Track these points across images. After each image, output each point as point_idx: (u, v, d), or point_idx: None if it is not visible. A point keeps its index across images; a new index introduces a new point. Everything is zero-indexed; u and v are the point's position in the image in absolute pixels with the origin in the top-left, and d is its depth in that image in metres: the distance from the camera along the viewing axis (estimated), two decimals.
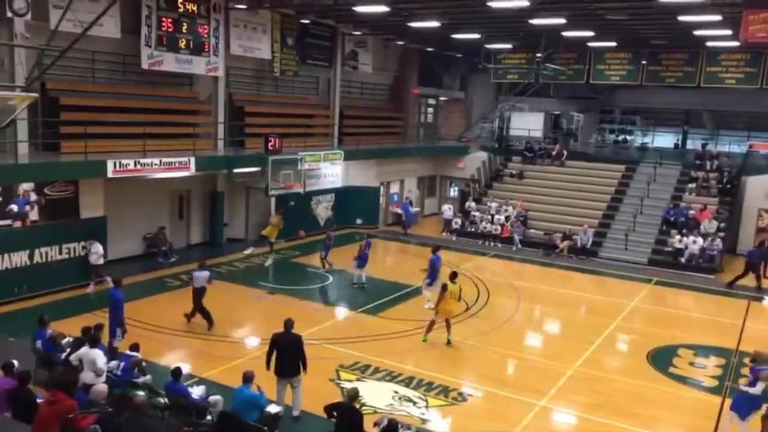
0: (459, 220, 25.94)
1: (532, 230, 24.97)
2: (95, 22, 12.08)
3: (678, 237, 22.34)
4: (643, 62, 26.95)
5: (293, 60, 23.45)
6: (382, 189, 27.24)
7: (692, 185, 25.27)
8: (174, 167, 17.52)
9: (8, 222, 15.25)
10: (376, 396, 10.93)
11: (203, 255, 19.38)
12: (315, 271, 19.17)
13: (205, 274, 14.13)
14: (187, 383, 9.78)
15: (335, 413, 8.10)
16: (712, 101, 31.16)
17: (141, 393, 8.36)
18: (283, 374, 9.88)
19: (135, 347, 10.29)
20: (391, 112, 30.28)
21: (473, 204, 26.86)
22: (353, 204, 25.64)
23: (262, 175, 19.99)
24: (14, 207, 15.17)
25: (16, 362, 8.70)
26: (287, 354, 9.84)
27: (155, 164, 16.94)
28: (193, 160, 17.94)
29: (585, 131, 35.21)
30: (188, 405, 8.99)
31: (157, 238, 19.06)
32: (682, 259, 21.81)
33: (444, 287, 13.59)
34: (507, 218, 25.17)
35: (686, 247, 21.90)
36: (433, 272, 16.24)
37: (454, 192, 31.22)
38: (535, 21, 20.12)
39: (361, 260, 17.65)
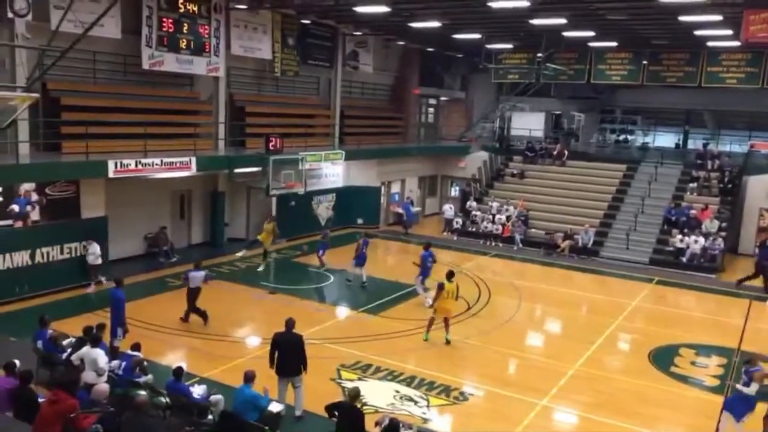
0: (460, 220, 25.94)
1: (533, 230, 24.97)
2: (96, 23, 12.07)
3: (679, 236, 22.33)
4: (644, 62, 26.94)
5: (294, 60, 23.46)
6: (383, 189, 27.25)
7: (693, 185, 25.26)
8: (175, 167, 17.54)
9: (9, 222, 15.25)
10: (378, 395, 10.93)
11: (204, 255, 19.44)
12: (316, 270, 19.17)
13: (201, 274, 14.17)
14: (189, 383, 9.78)
15: (336, 413, 8.11)
16: (713, 101, 31.14)
17: (142, 392, 8.38)
18: (285, 374, 9.87)
19: (136, 347, 10.29)
20: (392, 112, 30.29)
21: (474, 204, 26.85)
22: (354, 204, 25.64)
23: (263, 175, 19.99)
24: (15, 207, 15.17)
25: (17, 362, 8.70)
26: (288, 354, 9.84)
27: (156, 164, 16.95)
28: (194, 160, 17.95)
29: (586, 131, 35.19)
30: (189, 404, 8.99)
31: (158, 238, 19.08)
32: (684, 259, 21.80)
33: (441, 286, 13.60)
34: (508, 218, 25.16)
35: (687, 247, 21.90)
36: (424, 269, 16.36)
37: (455, 192, 31.22)
38: (535, 21, 20.11)
39: (360, 260, 17.68)
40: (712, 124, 35.51)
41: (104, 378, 9.10)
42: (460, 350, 13.54)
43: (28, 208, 15.50)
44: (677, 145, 35.56)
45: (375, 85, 29.44)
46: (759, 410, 9.68)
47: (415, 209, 28.02)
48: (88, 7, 15.36)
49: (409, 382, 11.65)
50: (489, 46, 26.89)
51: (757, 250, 22.21)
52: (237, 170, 19.99)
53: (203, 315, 14.03)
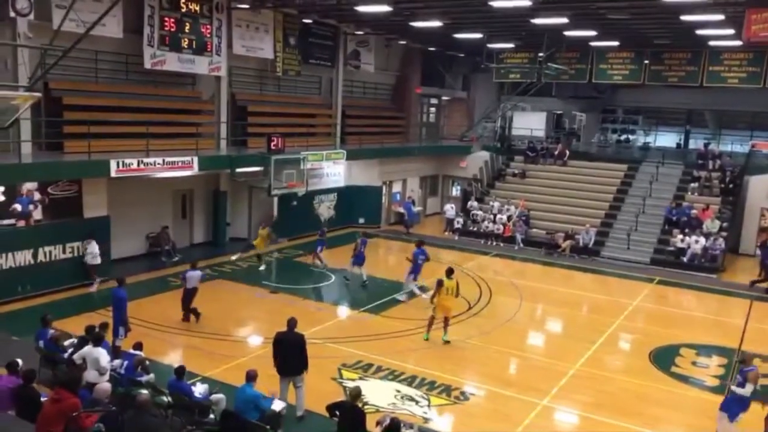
0: (461, 220, 25.95)
1: (534, 230, 24.97)
2: (98, 22, 12.08)
3: (680, 236, 22.32)
4: (646, 62, 26.90)
5: (296, 59, 23.48)
6: (384, 188, 27.26)
7: (695, 185, 25.25)
8: (177, 167, 17.56)
9: (12, 221, 15.30)
10: (379, 395, 10.95)
11: (206, 254, 19.52)
12: (317, 270, 19.19)
13: (198, 273, 14.22)
14: (190, 382, 9.80)
15: (338, 412, 8.11)
16: (715, 101, 31.14)
17: (144, 392, 8.38)
18: (286, 373, 9.90)
19: (138, 346, 10.33)
20: (394, 111, 30.30)
21: (475, 203, 26.85)
22: (356, 203, 25.65)
23: (265, 174, 20.01)
24: (18, 206, 15.20)
25: (20, 361, 8.73)
26: (290, 353, 9.86)
27: (158, 164, 16.98)
28: (196, 159, 17.98)
29: (587, 131, 35.22)
30: (191, 404, 9.02)
31: (160, 237, 19.11)
32: (685, 259, 21.79)
33: (440, 283, 13.62)
34: (509, 218, 25.17)
35: (688, 247, 21.89)
36: (414, 266, 16.47)
37: (456, 191, 31.22)
38: (537, 20, 20.10)
39: (358, 259, 17.72)
40: (713, 123, 35.52)
41: (106, 377, 9.12)
42: (461, 350, 13.55)
43: (31, 207, 15.54)
44: (678, 145, 35.58)
45: (376, 84, 29.44)
46: (759, 410, 9.68)
47: (417, 209, 28.04)
48: (90, 7, 15.40)
49: (410, 381, 11.67)
50: (490, 46, 26.89)
51: (758, 251, 22.24)
52: (239, 170, 20.03)
53: (196, 313, 14.11)
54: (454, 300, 13.84)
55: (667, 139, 36.62)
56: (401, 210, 27.40)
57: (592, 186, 26.53)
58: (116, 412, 7.56)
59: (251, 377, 8.96)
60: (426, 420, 10.34)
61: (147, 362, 10.07)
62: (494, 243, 24.48)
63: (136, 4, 17.56)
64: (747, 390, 9.54)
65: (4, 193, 15.46)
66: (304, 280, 18.39)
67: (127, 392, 8.77)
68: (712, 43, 23.96)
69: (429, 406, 10.85)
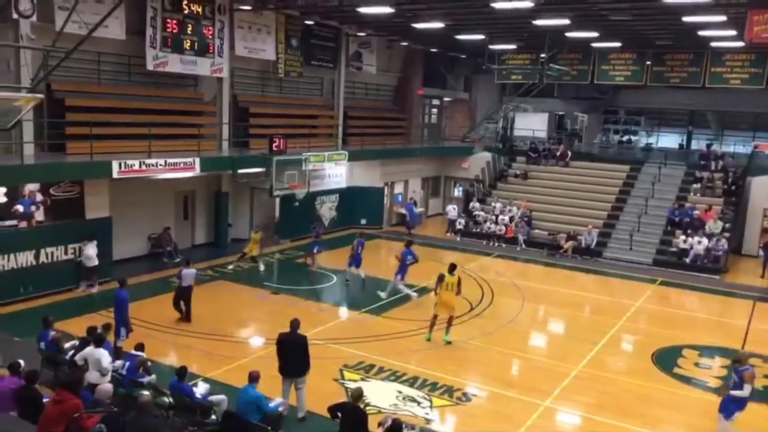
0: (463, 221, 25.94)
1: (536, 230, 24.95)
2: (100, 24, 12.12)
3: (683, 237, 22.29)
4: (648, 63, 26.87)
5: (297, 61, 23.49)
6: (386, 189, 27.26)
7: (697, 185, 25.23)
8: (179, 168, 17.57)
9: (14, 222, 15.32)
10: (380, 396, 10.93)
11: (208, 255, 19.53)
12: (318, 271, 19.19)
13: (193, 271, 14.27)
14: (191, 383, 9.80)
15: (339, 413, 8.11)
16: (717, 102, 31.09)
17: (146, 392, 8.39)
18: (289, 374, 9.89)
19: (140, 347, 10.33)
20: (396, 112, 30.29)
21: (477, 204, 26.86)
22: (357, 204, 25.66)
23: (267, 175, 20.02)
24: (20, 207, 15.23)
25: (22, 362, 8.73)
26: (293, 354, 9.85)
27: (160, 165, 16.99)
28: (197, 160, 18.00)
29: (589, 131, 35.22)
30: (193, 405, 9.02)
31: (161, 238, 19.13)
32: (687, 260, 21.76)
33: (441, 277, 13.64)
34: (511, 218, 25.16)
35: (691, 248, 21.85)
36: (402, 266, 16.49)
37: (458, 192, 31.20)
38: (539, 22, 20.08)
39: (355, 260, 17.73)
40: (715, 124, 35.47)
41: (108, 378, 9.12)
42: (463, 351, 13.53)
43: (33, 208, 15.57)
44: (681, 146, 35.51)
45: (378, 85, 29.45)
46: (758, 410, 9.64)
47: (419, 210, 28.02)
48: (92, 8, 15.42)
49: (411, 382, 11.65)
50: (492, 47, 26.89)
51: (761, 251, 22.22)
52: (240, 171, 20.04)
53: (188, 313, 14.13)
54: (453, 295, 13.72)
55: (669, 140, 36.56)
56: (403, 211, 27.40)
57: (595, 187, 26.51)
58: (118, 413, 7.57)
59: (254, 378, 8.95)
60: (428, 421, 10.33)
61: (148, 363, 10.08)
62: (496, 244, 24.45)
63: (138, 6, 17.58)
64: (746, 391, 9.52)
65: (6, 194, 15.48)
66: (305, 281, 18.39)
67: (129, 393, 8.77)
68: (714, 44, 23.93)
69: (431, 407, 10.83)
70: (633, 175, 26.72)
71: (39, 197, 15.78)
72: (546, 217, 25.45)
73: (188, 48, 18.96)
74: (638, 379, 12.46)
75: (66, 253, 15.70)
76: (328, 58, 25.40)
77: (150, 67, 18.08)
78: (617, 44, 26.18)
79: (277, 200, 21.57)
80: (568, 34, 23.02)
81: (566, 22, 19.91)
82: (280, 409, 9.25)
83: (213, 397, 9.49)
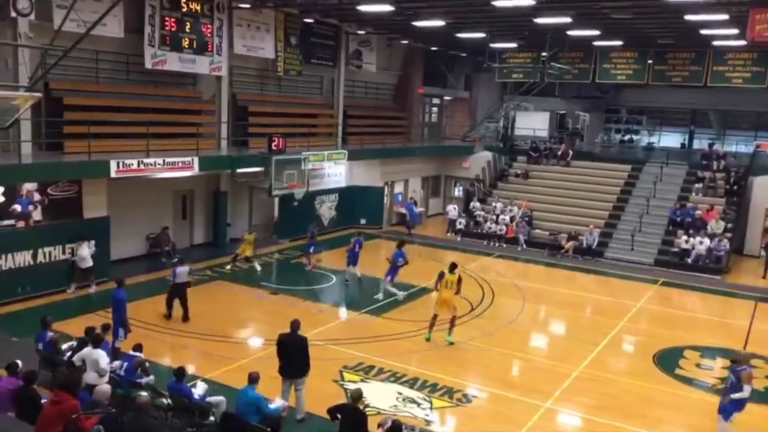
0: (463, 221, 25.87)
1: (537, 230, 24.88)
2: (98, 22, 12.05)
3: (684, 237, 22.22)
4: (649, 61, 26.79)
5: (297, 59, 23.41)
6: (386, 189, 27.19)
7: (699, 185, 25.15)
8: (177, 167, 17.50)
9: (12, 222, 15.24)
10: (380, 397, 10.86)
11: (206, 255, 19.47)
12: (318, 271, 19.12)
13: (186, 268, 14.23)
14: (190, 384, 9.73)
15: (339, 415, 8.06)
16: (719, 101, 31.03)
17: (144, 393, 8.34)
18: (289, 375, 9.82)
19: (138, 347, 10.27)
20: (396, 111, 30.22)
21: (478, 204, 26.78)
22: (357, 204, 25.58)
23: (266, 175, 19.95)
24: (18, 207, 15.15)
25: (20, 362, 8.67)
26: (293, 355, 9.78)
27: (158, 164, 16.92)
28: (196, 159, 17.92)
29: (590, 131, 35.13)
30: (191, 406, 8.95)
31: (160, 238, 19.05)
32: (689, 260, 21.68)
33: (441, 274, 13.58)
34: (512, 218, 25.09)
35: (693, 248, 21.77)
36: (392, 267, 16.39)
37: (458, 192, 31.14)
38: (540, 20, 20.02)
39: (352, 260, 17.66)
40: (717, 124, 35.40)
41: (106, 379, 9.06)
42: (464, 352, 13.45)
43: (30, 208, 15.49)
44: (682, 145, 35.46)
45: (378, 84, 29.37)
46: (759, 411, 9.57)
47: (419, 209, 27.95)
48: (90, 7, 15.31)
49: (411, 383, 11.58)
50: (493, 45, 26.83)
51: (763, 252, 22.15)
52: (239, 170, 19.97)
53: (170, 313, 14.10)
54: (452, 294, 13.60)
55: (671, 139, 36.51)
56: (403, 211, 27.32)
57: (596, 186, 26.44)
58: (116, 413, 7.50)
59: (253, 379, 8.89)
60: (428, 422, 10.26)
61: (147, 364, 10.02)
62: (497, 244, 24.38)
63: (136, 4, 17.51)
64: (746, 392, 9.45)
65: (3, 193, 15.40)
66: (304, 281, 18.32)
67: (127, 394, 8.71)
68: (716, 42, 23.86)
69: (431, 408, 10.76)
70: (634, 175, 26.65)
71: (37, 197, 15.70)
72: (547, 217, 25.38)
73: (187, 46, 18.88)
74: (639, 380, 12.39)
75: (64, 252, 15.63)
76: (328, 56, 25.31)
77: (148, 65, 18.01)
78: (619, 43, 26.10)
79: (276, 200, 21.50)
80: (570, 33, 22.98)
81: (567, 20, 19.85)
82: (282, 412, 9.17)
83: (212, 398, 9.45)
